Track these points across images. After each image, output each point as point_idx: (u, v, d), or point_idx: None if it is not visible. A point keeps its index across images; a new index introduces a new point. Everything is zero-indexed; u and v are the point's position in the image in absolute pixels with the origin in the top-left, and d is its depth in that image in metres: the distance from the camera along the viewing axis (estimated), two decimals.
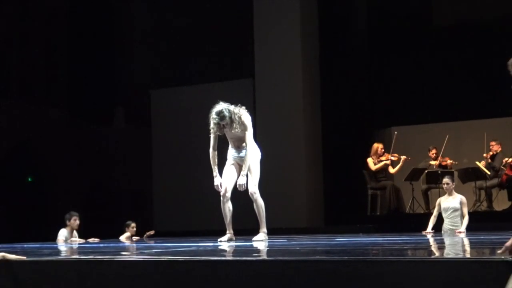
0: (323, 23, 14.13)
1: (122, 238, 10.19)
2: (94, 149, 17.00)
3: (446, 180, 9.40)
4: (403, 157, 12.54)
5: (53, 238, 9.55)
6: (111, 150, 17.57)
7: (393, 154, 12.61)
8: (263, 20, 13.93)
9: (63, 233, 9.56)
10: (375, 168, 12.49)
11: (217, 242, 6.99)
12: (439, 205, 9.35)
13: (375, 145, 12.68)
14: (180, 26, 16.39)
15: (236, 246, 6.15)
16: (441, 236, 8.18)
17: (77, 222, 9.64)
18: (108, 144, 17.55)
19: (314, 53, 14.00)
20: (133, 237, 10.22)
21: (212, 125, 7.06)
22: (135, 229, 10.49)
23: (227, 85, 15.04)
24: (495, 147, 12.19)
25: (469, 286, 3.17)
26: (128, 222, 10.53)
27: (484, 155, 12.22)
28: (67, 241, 9.41)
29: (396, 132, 12.95)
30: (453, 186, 9.40)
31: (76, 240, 9.55)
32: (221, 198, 7.20)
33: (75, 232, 9.73)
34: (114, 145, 17.66)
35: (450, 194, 9.33)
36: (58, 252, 6.19)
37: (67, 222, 9.60)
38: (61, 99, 17.04)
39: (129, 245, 7.54)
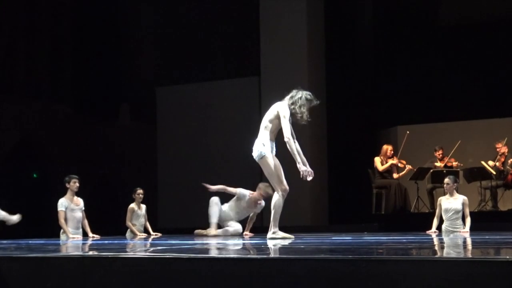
0: (329, 22, 14.13)
1: (130, 207, 10.25)
2: (99, 146, 17.03)
3: (446, 180, 9.26)
4: (408, 167, 12.52)
5: (58, 234, 9.50)
6: (116, 146, 17.59)
7: (400, 161, 12.58)
8: (269, 18, 13.93)
9: (62, 203, 9.26)
10: (382, 169, 12.47)
11: (221, 240, 6.97)
12: (440, 205, 9.25)
13: (385, 146, 12.63)
14: (186, 23, 16.40)
15: (241, 244, 6.16)
16: (445, 236, 8.16)
17: (77, 184, 9.35)
18: (113, 141, 17.58)
19: (320, 51, 14.00)
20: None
21: (304, 108, 6.78)
22: (141, 195, 10.31)
23: (233, 83, 15.05)
24: (502, 149, 12.14)
25: (473, 286, 3.17)
26: (135, 189, 10.40)
27: (497, 164, 12.14)
28: (68, 210, 9.25)
29: (408, 132, 12.81)
30: (455, 187, 9.18)
31: (77, 207, 9.37)
32: (284, 194, 6.70)
33: (77, 199, 9.46)
34: (119, 141, 17.69)
35: (451, 194, 9.18)
36: (62, 248, 6.21)
37: (67, 185, 9.33)
38: (66, 96, 17.08)
39: (133, 242, 7.55)
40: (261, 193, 9.24)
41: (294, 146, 6.69)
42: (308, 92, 6.90)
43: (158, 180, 15.80)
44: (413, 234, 8.19)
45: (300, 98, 6.80)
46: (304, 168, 6.66)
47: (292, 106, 6.80)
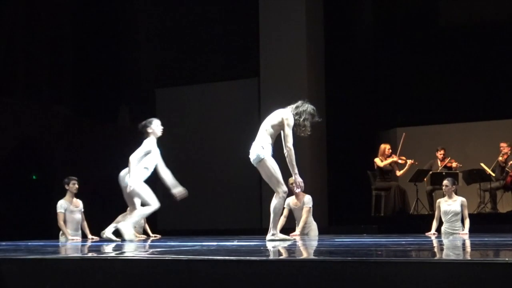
0: (329, 23, 14.14)
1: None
2: (99, 147, 17.00)
3: (445, 182, 9.28)
4: (409, 161, 12.52)
5: (57, 236, 9.49)
6: (115, 148, 17.56)
7: (400, 157, 12.58)
8: (268, 19, 13.93)
9: (61, 205, 9.24)
10: (383, 165, 12.44)
11: (220, 242, 6.97)
12: (439, 207, 9.26)
13: (383, 145, 12.67)
14: (185, 24, 16.40)
15: (240, 246, 6.15)
16: (445, 238, 8.16)
17: (76, 186, 9.38)
18: (112, 142, 17.55)
19: (320, 53, 14.00)
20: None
21: (307, 122, 6.86)
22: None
23: (232, 84, 15.05)
24: (506, 149, 12.14)
25: None
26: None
27: (500, 158, 12.15)
28: (67, 212, 9.24)
29: (404, 134, 12.84)
30: (453, 188, 9.20)
31: (76, 209, 9.34)
32: (284, 196, 6.80)
33: (76, 200, 9.48)
34: (118, 143, 17.66)
35: (450, 196, 9.19)
36: (61, 250, 6.20)
37: (66, 187, 9.35)
38: (66, 97, 17.06)
39: (133, 243, 7.54)
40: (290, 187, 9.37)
41: (294, 156, 6.74)
42: (312, 107, 6.96)
43: (157, 181, 15.76)
44: (412, 236, 8.19)
45: (305, 111, 6.87)
46: (300, 179, 6.77)
47: (297, 117, 6.86)
